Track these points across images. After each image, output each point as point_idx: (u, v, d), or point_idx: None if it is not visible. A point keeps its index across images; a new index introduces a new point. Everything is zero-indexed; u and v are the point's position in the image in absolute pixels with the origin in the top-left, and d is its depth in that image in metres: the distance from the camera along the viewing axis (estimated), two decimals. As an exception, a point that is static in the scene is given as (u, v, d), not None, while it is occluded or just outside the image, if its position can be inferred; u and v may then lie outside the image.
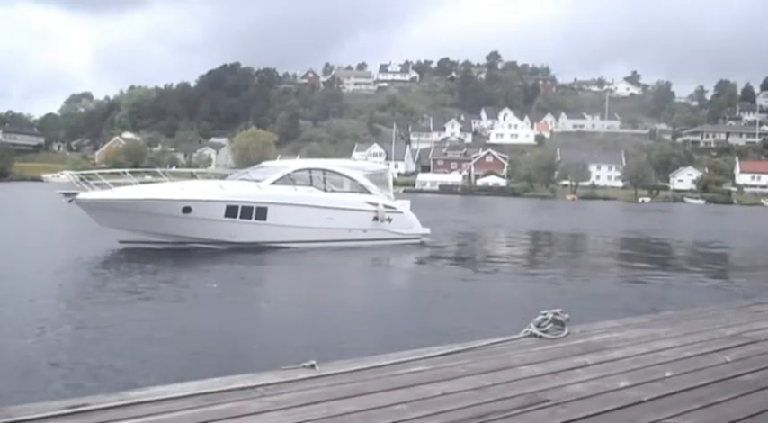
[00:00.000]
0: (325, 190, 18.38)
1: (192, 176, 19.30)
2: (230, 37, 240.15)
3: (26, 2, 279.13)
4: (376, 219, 18.46)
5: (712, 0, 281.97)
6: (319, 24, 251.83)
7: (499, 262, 17.40)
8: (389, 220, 18.76)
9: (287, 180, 17.74)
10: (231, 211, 16.20)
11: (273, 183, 17.39)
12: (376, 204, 18.58)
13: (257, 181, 17.41)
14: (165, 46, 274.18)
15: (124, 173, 17.17)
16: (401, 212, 19.53)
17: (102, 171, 17.17)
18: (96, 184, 15.75)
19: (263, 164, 21.83)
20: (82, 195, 15.13)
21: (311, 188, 18.13)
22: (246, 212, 16.39)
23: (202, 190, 16.48)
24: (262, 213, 16.58)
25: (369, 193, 19.00)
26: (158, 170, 18.28)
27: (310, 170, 18.96)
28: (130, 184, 16.58)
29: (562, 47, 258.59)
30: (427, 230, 20.09)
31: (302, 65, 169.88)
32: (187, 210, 15.60)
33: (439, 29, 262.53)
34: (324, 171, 18.93)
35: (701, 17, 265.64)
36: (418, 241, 19.61)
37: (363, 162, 21.02)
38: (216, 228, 16.02)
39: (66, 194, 15.02)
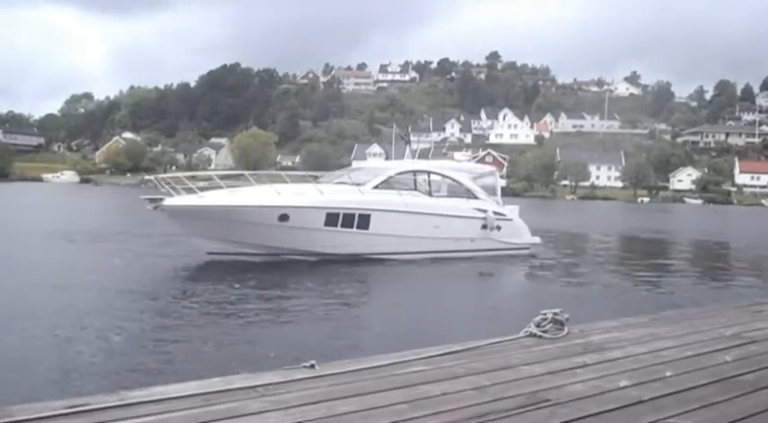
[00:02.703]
0: (429, 194, 16.63)
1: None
2: (241, 39, 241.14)
3: (46, 3, 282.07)
4: (485, 226, 16.69)
5: (720, 0, 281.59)
6: (327, 27, 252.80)
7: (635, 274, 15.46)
8: (498, 228, 16.93)
9: (390, 184, 15.98)
10: (331, 219, 14.39)
11: (376, 187, 15.58)
12: (485, 211, 16.83)
13: (357, 184, 15.55)
14: (179, 47, 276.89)
15: (210, 177, 15.55)
16: (510, 219, 17.68)
17: (186, 174, 15.39)
18: (183, 189, 14.10)
19: (361, 165, 19.53)
20: (168, 201, 13.42)
21: (416, 193, 16.34)
22: (348, 220, 14.56)
23: (300, 195, 14.63)
24: (364, 221, 14.74)
25: (476, 197, 17.19)
26: (245, 173, 16.32)
27: (414, 172, 17.04)
28: (218, 188, 14.78)
29: (563, 48, 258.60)
30: (537, 239, 18.25)
31: (310, 67, 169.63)
32: (284, 217, 13.89)
33: (439, 29, 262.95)
34: (428, 173, 17.11)
35: (706, 18, 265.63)
36: (527, 252, 17.71)
37: (469, 163, 19.05)
38: (314, 238, 14.27)
39: (152, 200, 13.36)
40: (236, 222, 13.58)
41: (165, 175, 14.88)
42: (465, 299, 11.92)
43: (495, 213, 17.01)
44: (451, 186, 17.42)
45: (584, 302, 10.82)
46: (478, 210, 16.80)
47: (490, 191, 18.06)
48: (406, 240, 15.25)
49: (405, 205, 15.50)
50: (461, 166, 19.09)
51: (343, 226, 14.54)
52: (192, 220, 13.66)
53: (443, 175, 17.40)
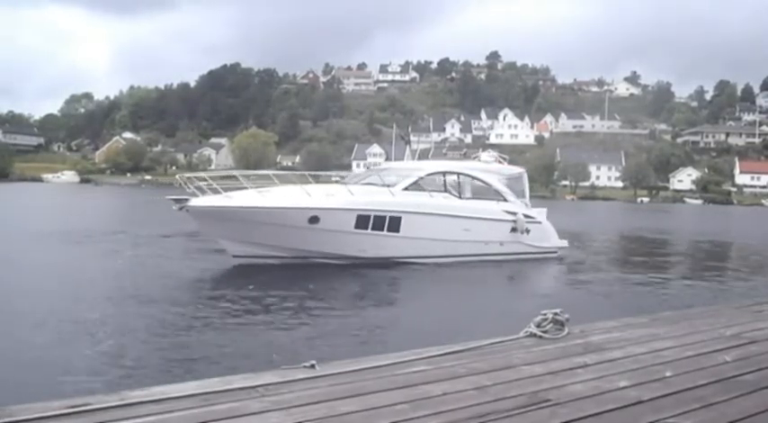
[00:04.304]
0: (459, 196, 16.22)
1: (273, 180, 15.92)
2: (245, 40, 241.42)
3: (51, 3, 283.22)
4: (514, 229, 16.24)
5: (720, 0, 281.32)
6: (331, 27, 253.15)
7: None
8: (528, 231, 16.42)
9: (420, 185, 15.52)
10: (362, 222, 13.93)
11: (406, 188, 15.11)
12: (514, 213, 16.41)
13: (387, 185, 14.98)
14: (183, 48, 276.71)
15: (233, 176, 14.82)
16: (539, 222, 17.23)
17: (211, 174, 14.49)
18: (210, 189, 13.49)
19: (388, 165, 18.66)
20: (194, 202, 12.90)
21: (446, 194, 15.94)
22: (378, 223, 14.09)
23: (331, 197, 14.13)
24: (395, 224, 14.29)
25: (505, 200, 16.81)
26: (269, 172, 15.72)
27: (444, 173, 16.60)
28: (243, 188, 14.08)
29: (563, 48, 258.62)
30: (565, 243, 17.84)
31: (310, 67, 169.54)
32: (314, 220, 13.41)
33: (443, 30, 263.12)
34: (458, 174, 16.66)
35: (706, 18, 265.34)
36: (555, 255, 17.38)
37: (497, 164, 18.93)
38: (344, 241, 13.80)
39: (177, 201, 12.82)
40: (265, 224, 13.07)
41: (191, 175, 14.31)
42: (498, 306, 11.25)
43: (525, 216, 16.61)
44: (480, 188, 16.92)
45: (618, 305, 10.65)
46: (508, 212, 16.41)
47: (519, 193, 17.60)
48: (436, 244, 14.83)
49: (436, 207, 15.09)
50: (490, 167, 18.62)
51: (373, 229, 14.08)
52: (219, 221, 13.12)
53: (473, 177, 16.96)
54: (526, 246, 16.53)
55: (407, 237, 14.43)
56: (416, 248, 14.60)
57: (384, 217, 14.20)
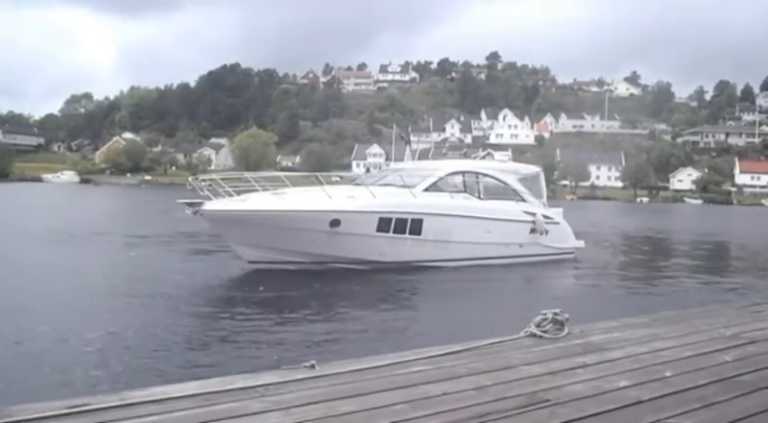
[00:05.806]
0: (479, 197, 15.88)
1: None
2: (250, 40, 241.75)
3: (57, 3, 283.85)
4: (533, 231, 15.84)
5: (728, 1, 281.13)
6: (336, 28, 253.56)
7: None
8: (546, 231, 16.03)
9: (439, 186, 15.11)
10: (384, 225, 13.42)
11: (426, 189, 14.65)
12: (533, 214, 16.02)
13: (406, 186, 14.42)
14: (188, 48, 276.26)
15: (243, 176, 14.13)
16: (557, 223, 16.89)
17: (224, 176, 13.73)
18: (224, 191, 12.86)
19: (403, 164, 18.42)
20: (209, 206, 12.26)
21: (466, 195, 15.63)
22: (400, 226, 13.60)
23: (353, 199, 13.53)
24: (416, 226, 13.80)
25: (524, 200, 16.47)
26: (280, 174, 14.96)
27: (464, 173, 16.25)
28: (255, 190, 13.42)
29: (564, 48, 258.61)
30: (581, 243, 17.48)
31: (310, 67, 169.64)
32: (335, 223, 12.84)
33: (447, 30, 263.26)
34: (477, 174, 16.26)
35: (708, 18, 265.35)
36: (571, 256, 17.04)
37: (514, 163, 18.13)
38: (366, 244, 13.32)
39: (191, 205, 12.24)
40: (284, 228, 12.51)
41: (204, 177, 13.67)
42: (511, 310, 10.46)
43: (543, 216, 16.26)
44: (499, 188, 16.55)
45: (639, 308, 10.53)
46: (527, 213, 16.03)
47: (536, 193, 17.23)
48: (458, 246, 14.42)
49: (457, 209, 14.66)
50: (507, 167, 17.98)
51: (395, 232, 13.59)
52: (235, 226, 12.52)
53: (492, 176, 16.56)
54: (544, 247, 16.18)
55: (429, 239, 13.99)
56: (437, 251, 14.17)
57: (406, 219, 13.71)
